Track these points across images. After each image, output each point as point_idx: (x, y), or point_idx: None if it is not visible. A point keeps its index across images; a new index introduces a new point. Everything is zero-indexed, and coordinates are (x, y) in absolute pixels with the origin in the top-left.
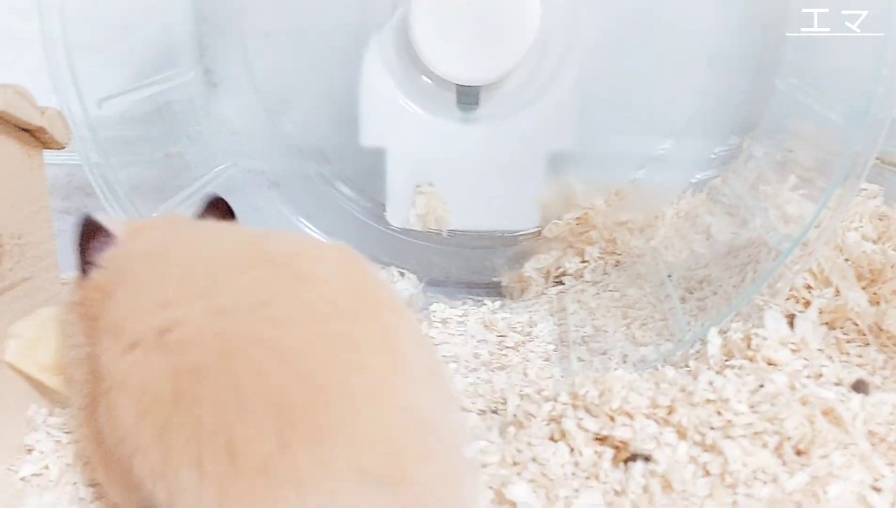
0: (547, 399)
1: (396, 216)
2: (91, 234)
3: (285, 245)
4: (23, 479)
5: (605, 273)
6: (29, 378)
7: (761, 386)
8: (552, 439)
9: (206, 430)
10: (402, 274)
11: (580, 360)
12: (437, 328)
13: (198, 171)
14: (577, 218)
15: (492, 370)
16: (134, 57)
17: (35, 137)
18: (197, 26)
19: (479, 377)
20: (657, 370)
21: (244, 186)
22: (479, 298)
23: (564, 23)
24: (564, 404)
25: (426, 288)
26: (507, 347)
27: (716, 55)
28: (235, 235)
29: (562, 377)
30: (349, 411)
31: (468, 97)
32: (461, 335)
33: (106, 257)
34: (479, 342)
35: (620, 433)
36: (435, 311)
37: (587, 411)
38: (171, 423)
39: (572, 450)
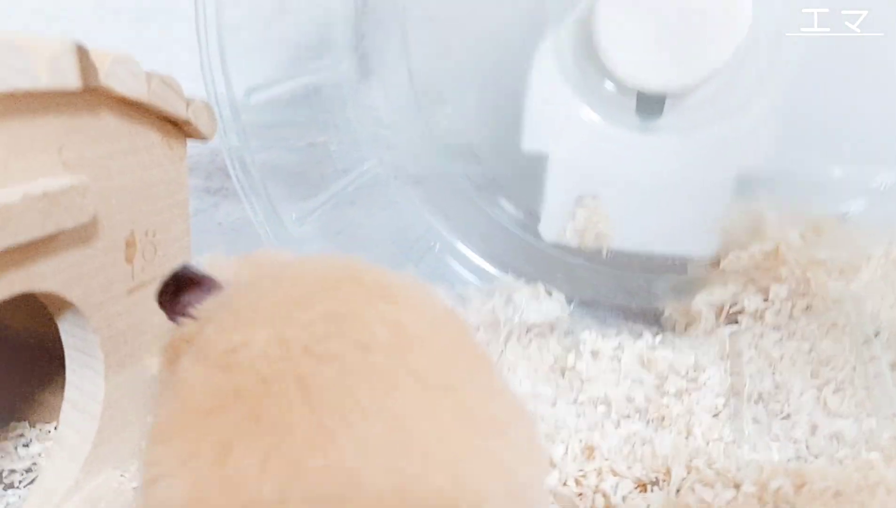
0: (726, 485)
1: (551, 230)
2: (189, 286)
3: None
4: (135, 488)
5: (792, 317)
6: None
7: None
8: None
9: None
10: (549, 293)
11: (756, 422)
12: (585, 360)
13: (341, 164)
14: (765, 251)
15: (648, 421)
16: (289, 41)
17: (179, 128)
18: (356, 8)
19: (633, 431)
20: (860, 455)
21: (385, 181)
22: (634, 325)
23: (776, 26)
24: (749, 494)
25: (575, 310)
26: (668, 393)
27: None
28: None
29: (732, 441)
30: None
31: (651, 105)
32: (613, 371)
33: (202, 306)
34: (633, 382)
35: None
36: (585, 340)
37: None
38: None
39: None
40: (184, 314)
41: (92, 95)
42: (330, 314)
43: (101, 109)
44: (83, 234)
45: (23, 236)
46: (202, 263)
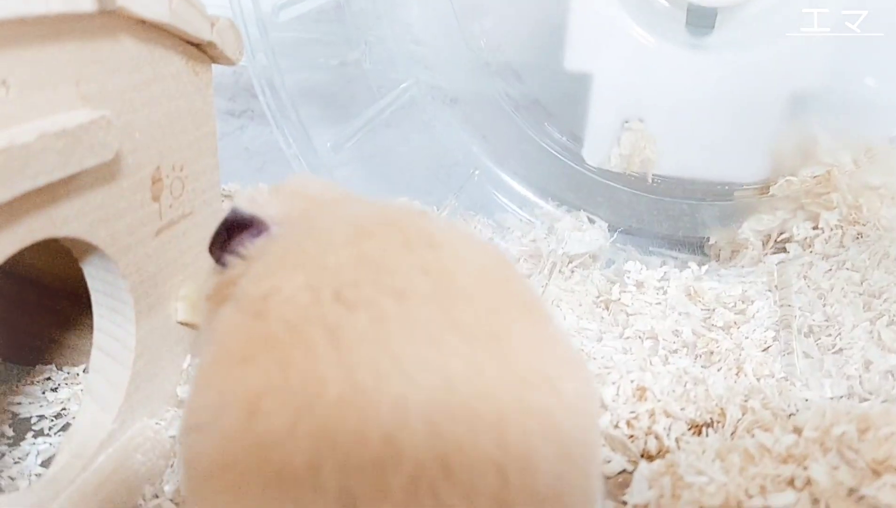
0: (786, 429)
1: (595, 154)
2: (240, 229)
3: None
4: (172, 437)
5: (843, 246)
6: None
7: None
8: (792, 484)
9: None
10: (591, 221)
11: (807, 356)
12: (630, 292)
13: (375, 84)
14: (817, 176)
15: (696, 357)
16: None
17: (203, 51)
18: None
19: (683, 368)
20: None
21: (422, 103)
22: (679, 254)
23: None
24: (811, 440)
25: (617, 238)
26: (716, 326)
27: None
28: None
29: (784, 377)
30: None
31: (702, 18)
32: (659, 304)
33: (251, 247)
34: (680, 315)
35: (888, 497)
36: (629, 271)
37: (842, 457)
38: (230, 376)
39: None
40: (232, 254)
41: (109, 19)
42: (361, 259)
43: (119, 33)
44: (106, 173)
45: (42, 179)
46: (246, 202)
